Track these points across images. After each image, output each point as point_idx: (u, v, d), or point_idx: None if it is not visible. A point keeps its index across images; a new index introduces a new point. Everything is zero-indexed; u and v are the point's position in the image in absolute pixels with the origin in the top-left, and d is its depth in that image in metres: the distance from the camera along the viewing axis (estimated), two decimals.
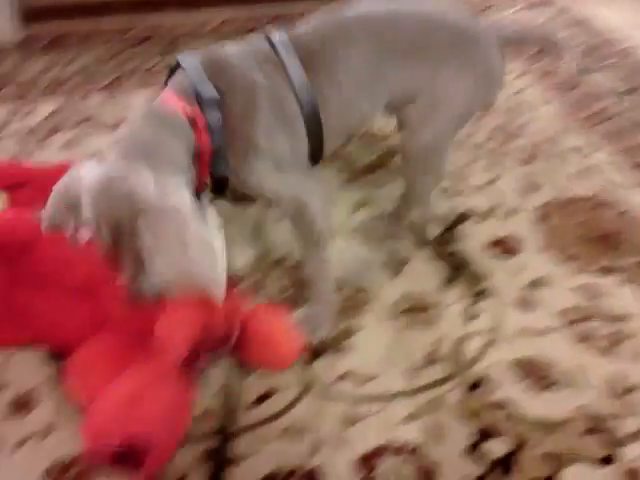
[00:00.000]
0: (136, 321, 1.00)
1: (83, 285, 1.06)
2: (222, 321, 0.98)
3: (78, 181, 0.90)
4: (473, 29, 1.14)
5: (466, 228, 1.37)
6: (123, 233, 0.87)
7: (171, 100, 0.97)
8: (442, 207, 1.42)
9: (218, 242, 0.95)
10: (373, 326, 1.17)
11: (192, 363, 0.96)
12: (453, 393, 1.04)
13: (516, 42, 1.34)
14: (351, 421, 1.01)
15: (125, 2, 2.37)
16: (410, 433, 0.99)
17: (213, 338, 0.98)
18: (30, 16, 2.29)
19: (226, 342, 1.01)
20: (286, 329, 1.08)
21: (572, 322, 1.16)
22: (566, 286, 1.23)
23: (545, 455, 0.95)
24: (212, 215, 1.00)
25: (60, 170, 0.99)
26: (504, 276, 1.25)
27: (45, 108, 1.84)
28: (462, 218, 1.39)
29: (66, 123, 1.77)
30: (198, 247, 0.87)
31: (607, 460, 0.95)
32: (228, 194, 1.06)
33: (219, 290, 0.92)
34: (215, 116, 0.97)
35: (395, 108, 1.16)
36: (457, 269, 1.27)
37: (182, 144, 0.94)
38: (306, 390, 1.06)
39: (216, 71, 1.00)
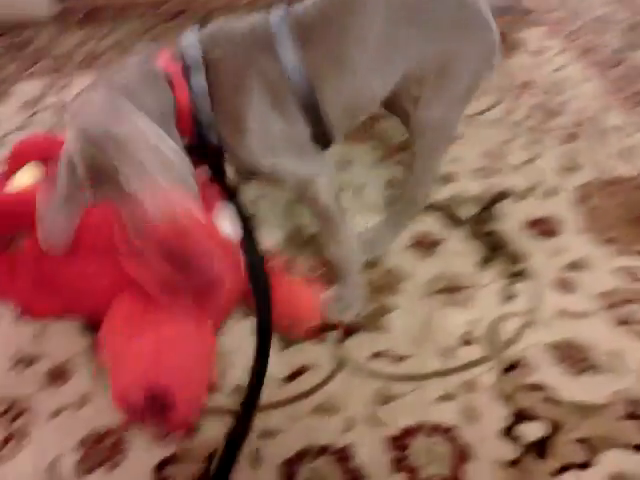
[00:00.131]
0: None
1: (107, 249, 1.06)
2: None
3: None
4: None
5: (504, 207, 1.34)
6: (101, 169, 0.88)
7: (162, 57, 0.98)
8: (478, 186, 1.40)
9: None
10: (407, 305, 1.15)
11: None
12: (488, 375, 1.03)
13: (501, 13, 1.29)
14: (384, 400, 1.01)
15: None
16: (444, 414, 0.98)
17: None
18: None
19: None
20: (306, 290, 1.08)
21: (611, 305, 1.13)
22: (606, 268, 1.20)
23: (581, 440, 0.94)
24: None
25: None
26: (542, 257, 1.22)
27: (81, 81, 1.84)
28: (500, 197, 1.36)
29: None
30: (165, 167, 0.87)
31: None
32: (233, 168, 1.06)
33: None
34: (199, 82, 0.97)
35: (406, 84, 1.13)
36: (494, 249, 1.24)
37: (157, 94, 0.95)
38: (339, 368, 1.06)
39: (210, 47, 0.99)
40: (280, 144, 1.02)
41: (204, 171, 1.05)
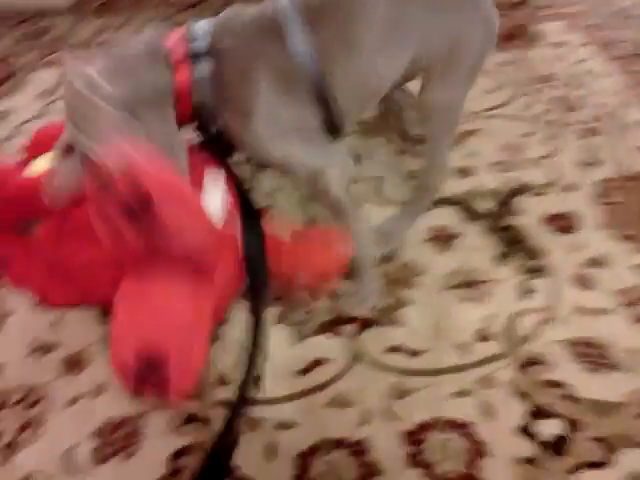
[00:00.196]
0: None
1: None
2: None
3: None
4: None
5: (522, 202, 1.32)
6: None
7: (171, 38, 0.99)
8: (497, 180, 1.39)
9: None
10: (423, 300, 1.15)
11: None
12: (505, 371, 1.02)
13: None
14: (399, 394, 1.00)
15: None
16: (460, 409, 0.98)
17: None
18: None
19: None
20: (325, 244, 1.07)
21: (630, 302, 1.11)
22: (625, 265, 1.18)
23: (598, 439, 0.93)
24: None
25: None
26: (561, 253, 1.21)
27: None
28: (518, 192, 1.35)
29: None
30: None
31: None
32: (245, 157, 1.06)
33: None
34: (203, 67, 0.97)
35: (416, 67, 1.12)
36: (512, 244, 1.23)
37: (154, 72, 0.96)
38: (354, 361, 1.05)
39: (220, 33, 1.00)
40: (290, 132, 1.02)
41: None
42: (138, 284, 0.94)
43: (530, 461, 0.91)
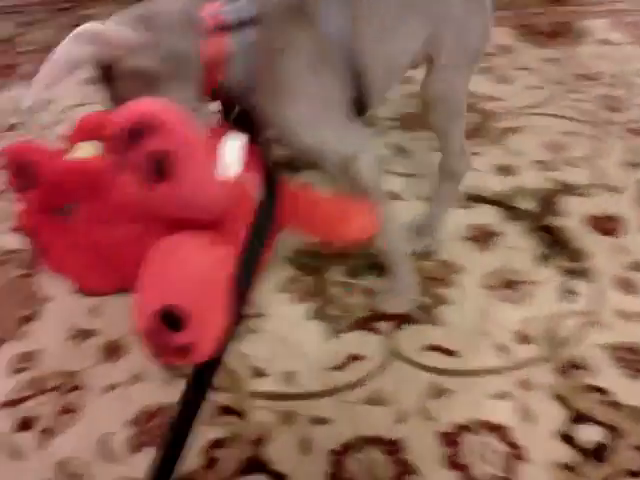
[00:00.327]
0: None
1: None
2: None
3: None
4: None
5: (565, 203, 1.30)
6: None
7: (207, 8, 0.95)
8: (539, 179, 1.36)
9: None
10: (462, 299, 1.13)
11: None
12: (545, 374, 1.00)
13: None
14: (436, 394, 0.99)
15: None
16: (498, 412, 0.96)
17: None
18: None
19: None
20: (352, 203, 1.03)
21: None
22: None
23: (639, 447, 0.91)
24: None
25: None
26: (604, 255, 1.18)
27: None
28: (561, 192, 1.33)
29: None
30: None
31: None
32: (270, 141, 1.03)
33: None
34: (238, 41, 0.93)
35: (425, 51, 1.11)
36: (553, 245, 1.21)
37: (183, 39, 0.91)
38: (391, 359, 1.04)
39: (256, 11, 0.95)
40: (322, 114, 0.99)
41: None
42: (160, 243, 0.93)
43: (569, 467, 0.89)
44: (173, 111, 0.82)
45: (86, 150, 1.13)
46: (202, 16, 0.94)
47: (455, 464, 0.90)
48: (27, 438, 0.96)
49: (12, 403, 1.00)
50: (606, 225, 1.25)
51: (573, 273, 1.16)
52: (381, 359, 1.04)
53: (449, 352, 1.05)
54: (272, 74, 0.96)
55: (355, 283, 1.17)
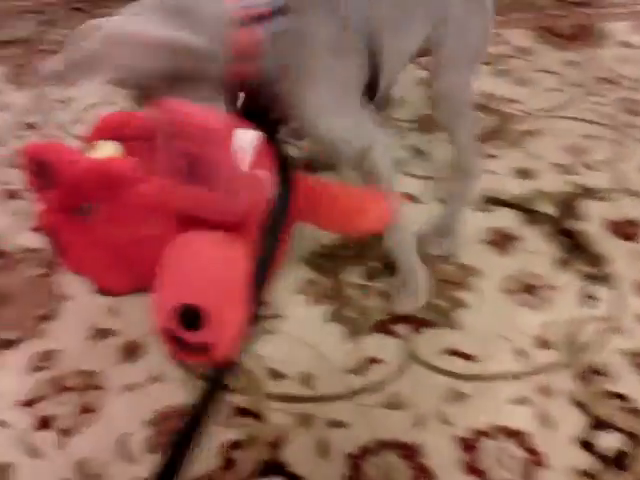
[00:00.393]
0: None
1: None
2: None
3: None
4: None
5: (585, 207, 1.29)
6: None
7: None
8: (559, 183, 1.35)
9: None
10: (480, 303, 1.13)
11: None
12: (564, 380, 0.99)
13: None
14: (454, 399, 0.99)
15: None
16: (516, 417, 0.95)
17: None
18: None
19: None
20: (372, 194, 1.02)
21: None
22: None
23: None
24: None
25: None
26: (624, 261, 1.17)
27: None
28: (581, 196, 1.32)
29: None
30: None
31: None
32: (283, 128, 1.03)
33: None
34: (270, 29, 0.91)
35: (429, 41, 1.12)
36: (573, 250, 1.20)
37: (222, 32, 0.88)
38: (409, 362, 1.04)
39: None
40: (341, 98, 0.99)
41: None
42: (177, 240, 0.93)
43: (589, 475, 0.88)
44: (220, 117, 0.82)
45: (106, 150, 1.14)
46: (233, 7, 0.92)
47: (473, 469, 0.90)
48: (46, 437, 0.96)
49: (31, 402, 1.01)
50: (627, 230, 1.24)
51: (593, 278, 1.15)
52: (399, 362, 1.04)
53: (467, 356, 1.04)
54: (296, 58, 0.94)
55: (372, 285, 1.17)
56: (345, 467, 0.91)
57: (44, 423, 0.98)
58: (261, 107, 0.99)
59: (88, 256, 1.12)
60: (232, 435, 0.95)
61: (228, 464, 0.92)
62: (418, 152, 1.46)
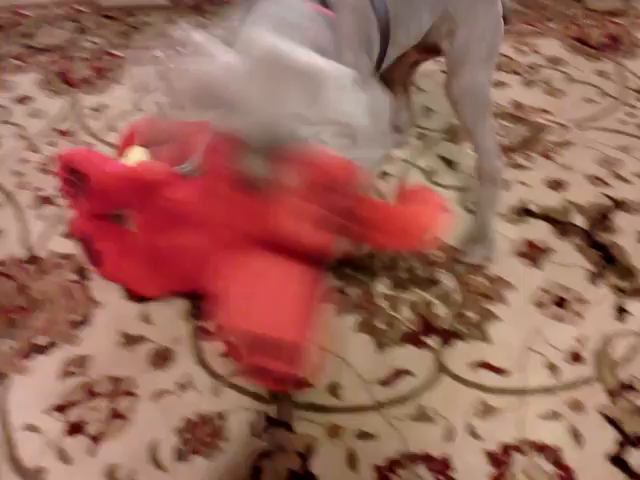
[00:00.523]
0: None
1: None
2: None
3: None
4: None
5: (617, 220, 1.28)
6: None
7: None
8: (592, 195, 1.34)
9: None
10: (512, 316, 1.12)
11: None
12: (596, 395, 0.98)
13: None
14: (484, 412, 0.98)
15: None
16: (547, 433, 0.95)
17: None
18: None
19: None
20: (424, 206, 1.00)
21: None
22: None
23: None
24: None
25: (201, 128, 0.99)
26: None
27: None
28: (614, 208, 1.30)
29: None
30: None
31: None
32: None
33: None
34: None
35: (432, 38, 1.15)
36: (606, 263, 1.19)
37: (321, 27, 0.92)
38: (439, 375, 1.03)
39: None
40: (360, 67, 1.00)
41: None
42: (246, 263, 0.94)
43: None
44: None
45: (137, 156, 1.15)
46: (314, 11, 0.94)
47: None
48: (77, 442, 0.97)
49: (62, 407, 1.02)
50: None
51: (626, 292, 1.13)
52: (428, 375, 1.04)
53: (498, 370, 1.04)
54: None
55: (401, 297, 1.16)
56: (374, 478, 0.91)
57: (75, 428, 0.99)
58: None
59: (122, 262, 1.13)
60: (261, 444, 0.96)
61: (257, 473, 0.92)
62: (448, 162, 1.45)
